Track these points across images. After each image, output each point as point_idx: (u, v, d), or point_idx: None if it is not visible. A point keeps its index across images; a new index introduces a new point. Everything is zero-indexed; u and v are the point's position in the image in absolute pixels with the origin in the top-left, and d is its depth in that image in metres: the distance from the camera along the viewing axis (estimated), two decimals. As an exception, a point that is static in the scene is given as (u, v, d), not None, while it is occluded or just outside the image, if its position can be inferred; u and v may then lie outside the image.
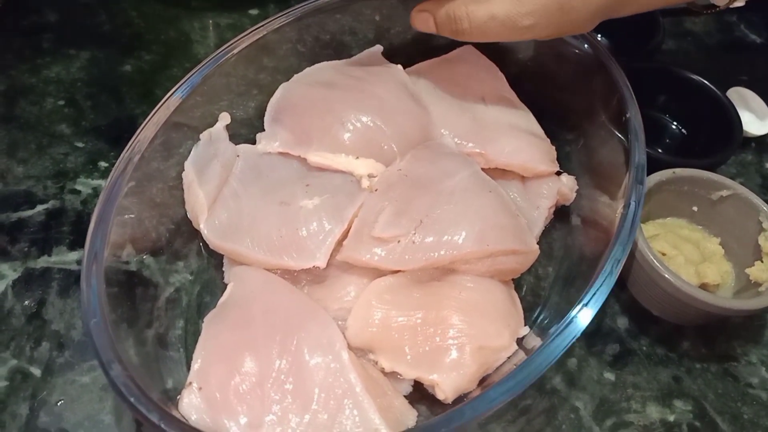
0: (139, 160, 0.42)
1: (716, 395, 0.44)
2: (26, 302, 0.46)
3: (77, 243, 0.49)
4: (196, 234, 0.45)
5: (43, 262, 0.48)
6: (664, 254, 0.46)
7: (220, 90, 0.49)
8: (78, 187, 0.53)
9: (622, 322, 0.47)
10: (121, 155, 0.42)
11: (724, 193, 0.48)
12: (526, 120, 0.52)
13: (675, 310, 0.45)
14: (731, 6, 0.53)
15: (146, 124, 0.44)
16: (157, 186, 0.45)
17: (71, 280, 0.47)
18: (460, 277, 0.42)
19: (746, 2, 0.70)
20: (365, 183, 0.45)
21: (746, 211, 0.47)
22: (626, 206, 0.39)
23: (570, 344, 0.34)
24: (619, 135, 0.44)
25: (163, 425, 0.31)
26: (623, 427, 0.42)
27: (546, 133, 0.52)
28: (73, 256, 0.48)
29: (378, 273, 0.42)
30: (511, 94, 0.54)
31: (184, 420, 0.35)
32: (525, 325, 0.42)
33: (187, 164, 0.47)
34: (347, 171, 0.46)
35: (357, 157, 0.47)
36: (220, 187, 0.46)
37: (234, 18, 0.68)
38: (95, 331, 0.34)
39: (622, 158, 0.43)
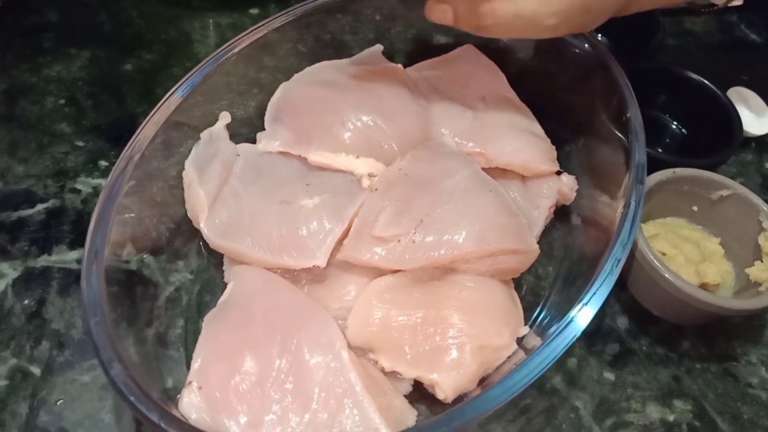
0: (139, 159, 0.42)
1: (716, 395, 0.44)
2: (26, 301, 0.46)
3: (77, 242, 0.49)
4: (196, 233, 0.45)
5: (43, 261, 0.48)
6: (664, 254, 0.46)
7: (221, 89, 0.50)
8: (78, 186, 0.53)
9: (622, 322, 0.47)
10: (122, 154, 0.42)
11: (724, 192, 0.48)
12: (527, 119, 0.52)
13: (675, 310, 0.45)
14: (729, 5, 0.53)
15: (147, 123, 0.44)
16: (157, 185, 0.45)
17: (71, 279, 0.47)
18: (461, 277, 0.42)
19: (745, 1, 0.71)
20: (365, 182, 0.45)
21: (746, 211, 0.47)
22: (626, 206, 0.39)
23: (570, 344, 0.34)
24: (620, 135, 0.44)
25: (163, 424, 0.31)
26: (623, 427, 0.42)
27: (546, 132, 0.52)
28: (73, 255, 0.48)
29: (378, 272, 0.42)
30: (512, 94, 0.54)
31: (183, 419, 0.35)
32: (525, 325, 0.42)
33: (188, 163, 0.47)
34: (347, 170, 0.46)
35: (357, 157, 0.47)
36: (220, 186, 0.46)
37: (234, 17, 0.68)
38: (95, 330, 0.34)
39: (622, 158, 0.43)
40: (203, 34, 0.66)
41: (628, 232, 0.38)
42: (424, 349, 0.39)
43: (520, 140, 0.49)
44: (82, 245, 0.48)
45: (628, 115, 0.44)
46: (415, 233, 0.41)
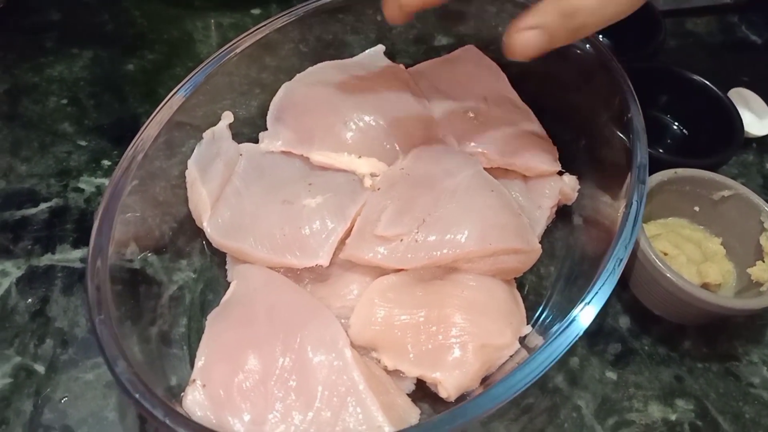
0: (142, 159, 0.42)
1: (718, 395, 0.44)
2: (30, 300, 0.46)
3: (81, 241, 0.49)
4: (199, 232, 0.46)
5: (46, 259, 0.48)
6: (665, 254, 0.47)
7: (223, 89, 0.50)
8: (81, 186, 0.53)
9: (623, 322, 0.47)
10: (125, 154, 0.42)
11: (726, 193, 0.48)
12: (528, 120, 0.52)
13: (677, 310, 0.45)
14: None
15: (149, 122, 0.44)
16: (160, 184, 0.45)
17: (75, 277, 0.47)
18: (463, 276, 0.42)
19: (746, 2, 0.71)
20: (368, 182, 0.46)
21: (748, 211, 0.47)
22: (628, 205, 0.39)
23: (572, 343, 0.34)
24: (621, 135, 0.44)
25: (168, 421, 0.31)
26: (625, 426, 0.42)
27: (548, 132, 0.52)
28: (77, 254, 0.49)
29: (381, 271, 0.42)
30: (513, 94, 0.54)
31: (188, 416, 0.35)
32: (527, 324, 0.42)
33: (191, 163, 0.47)
34: (350, 170, 0.47)
35: (359, 156, 0.47)
36: (223, 185, 0.46)
37: (236, 18, 0.68)
38: (100, 328, 0.34)
39: (623, 158, 0.43)
40: (205, 34, 0.66)
41: (630, 232, 0.38)
42: (426, 347, 0.40)
43: (521, 140, 0.50)
44: (86, 244, 0.48)
45: (629, 116, 0.44)
46: (417, 232, 0.41)
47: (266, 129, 0.50)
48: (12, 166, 0.54)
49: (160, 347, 0.40)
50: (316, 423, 0.36)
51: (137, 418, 0.41)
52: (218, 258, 0.46)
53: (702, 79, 0.57)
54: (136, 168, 0.42)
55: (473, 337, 0.39)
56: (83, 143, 0.56)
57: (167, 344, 0.41)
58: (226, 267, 0.46)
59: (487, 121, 0.51)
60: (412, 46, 0.59)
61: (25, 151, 0.55)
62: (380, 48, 0.55)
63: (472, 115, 0.51)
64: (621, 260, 0.37)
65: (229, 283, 0.44)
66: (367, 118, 0.48)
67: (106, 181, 0.53)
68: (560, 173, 0.50)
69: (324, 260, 0.42)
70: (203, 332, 0.40)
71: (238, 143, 0.49)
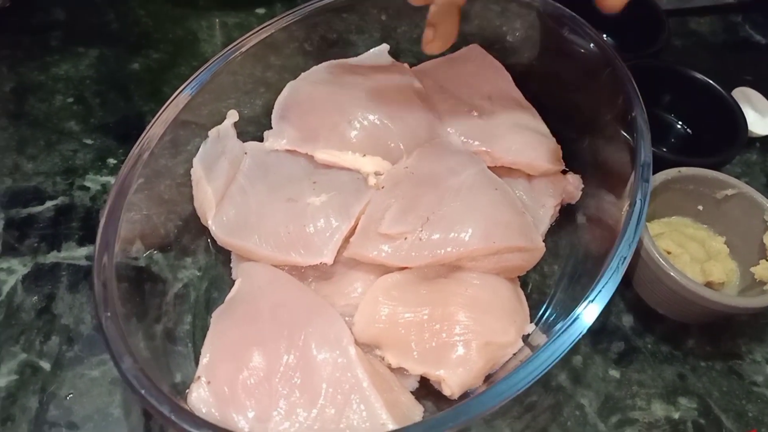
0: (148, 157, 0.43)
1: (721, 393, 0.44)
2: (36, 297, 0.46)
3: (86, 239, 0.49)
4: (204, 230, 0.46)
5: (52, 257, 0.48)
6: (669, 252, 0.47)
7: (228, 88, 0.50)
8: (87, 184, 0.53)
9: (627, 320, 0.47)
10: (131, 152, 0.42)
11: (729, 192, 0.48)
12: (532, 118, 0.52)
13: (680, 308, 0.45)
14: None
15: (155, 121, 0.44)
16: (165, 183, 0.46)
17: (80, 275, 0.48)
18: (467, 274, 0.42)
19: (751, 1, 0.71)
20: (372, 180, 0.46)
21: (751, 210, 0.47)
22: (632, 204, 0.39)
23: (576, 341, 0.35)
24: (625, 134, 0.45)
25: (173, 417, 0.31)
26: (628, 424, 0.42)
27: (552, 131, 0.52)
28: (83, 251, 0.49)
29: (385, 269, 0.42)
30: (517, 93, 0.54)
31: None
32: (531, 323, 0.42)
33: (196, 161, 0.47)
34: (354, 168, 0.47)
35: (364, 155, 0.47)
36: (228, 183, 0.46)
37: (241, 17, 0.68)
38: (106, 325, 0.34)
39: (627, 157, 0.43)
40: (210, 34, 0.67)
41: (633, 230, 0.38)
42: (430, 345, 0.40)
43: (525, 139, 0.50)
44: (91, 242, 0.48)
45: (633, 114, 0.44)
46: (421, 231, 0.42)
47: (271, 128, 0.50)
48: (18, 164, 0.54)
49: (165, 344, 0.40)
50: (320, 420, 0.36)
51: (142, 415, 0.41)
52: (223, 256, 0.47)
53: (706, 78, 0.57)
54: (142, 166, 0.42)
55: (477, 335, 0.39)
56: (89, 141, 0.56)
57: (172, 341, 0.41)
58: (231, 265, 0.46)
59: (491, 120, 0.51)
60: (416, 46, 0.58)
61: (31, 149, 0.55)
62: (384, 47, 0.55)
63: (476, 113, 0.51)
64: (625, 258, 0.37)
65: (233, 281, 0.44)
66: (371, 117, 0.48)
67: (111, 180, 0.53)
68: (564, 172, 0.50)
69: (328, 258, 0.42)
70: (208, 330, 0.40)
71: (243, 142, 0.49)
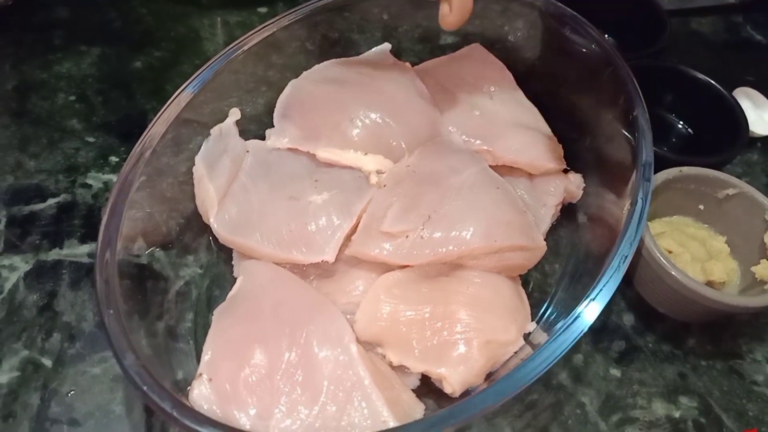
0: (150, 155, 0.43)
1: (721, 392, 0.44)
2: (38, 294, 0.46)
3: (88, 236, 0.50)
4: (205, 228, 0.46)
5: (54, 254, 0.48)
6: (670, 252, 0.47)
7: (230, 86, 0.50)
8: (89, 182, 0.53)
9: (628, 319, 0.48)
10: (133, 150, 0.42)
11: (731, 191, 0.48)
12: (534, 118, 0.52)
13: (681, 307, 0.45)
14: None
15: (157, 119, 0.44)
16: (167, 181, 0.46)
17: (82, 272, 0.48)
18: (468, 273, 0.42)
19: (752, 2, 0.71)
20: (374, 179, 0.46)
21: (752, 210, 0.47)
22: (633, 203, 0.39)
23: (577, 339, 0.35)
24: (626, 133, 0.45)
25: (175, 413, 0.31)
26: (629, 423, 0.42)
27: (553, 131, 0.52)
28: (84, 249, 0.49)
29: (386, 268, 0.42)
30: (519, 92, 0.54)
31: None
32: (532, 321, 0.42)
33: (198, 159, 0.47)
34: (356, 167, 0.47)
35: (365, 153, 0.47)
36: (230, 181, 0.46)
37: (243, 15, 0.68)
38: (109, 321, 0.34)
39: (629, 156, 0.43)
40: (212, 32, 0.67)
41: (635, 229, 0.38)
42: (431, 343, 0.40)
43: (527, 138, 0.50)
44: (93, 239, 0.49)
45: (634, 114, 0.44)
46: (423, 229, 0.42)
47: (273, 126, 0.50)
48: (20, 162, 0.54)
49: (166, 342, 0.40)
50: (322, 417, 0.36)
51: (144, 412, 0.41)
52: (225, 254, 0.47)
53: (707, 78, 0.57)
54: (144, 164, 0.42)
55: (478, 334, 0.40)
56: (91, 139, 0.56)
57: (174, 339, 0.41)
58: (233, 263, 0.46)
59: (493, 119, 0.51)
60: (418, 45, 0.59)
61: (34, 147, 0.55)
62: (386, 46, 0.55)
63: (477, 112, 0.51)
64: (626, 257, 0.37)
65: (235, 279, 0.44)
66: (373, 116, 0.48)
67: (113, 177, 0.53)
68: (565, 171, 0.50)
69: (330, 256, 0.42)
70: (209, 327, 0.41)
71: (245, 140, 0.49)
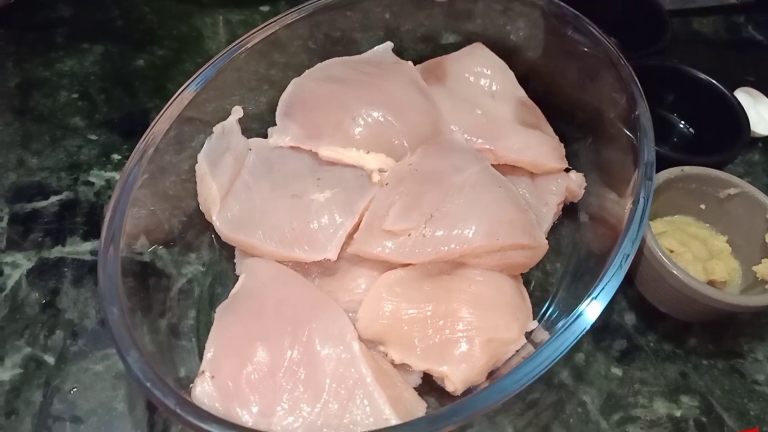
0: (153, 153, 0.43)
1: (723, 391, 0.44)
2: (40, 291, 0.46)
3: (91, 234, 0.50)
4: (208, 226, 0.46)
5: (56, 252, 0.49)
6: (671, 251, 0.47)
7: (232, 85, 0.50)
8: (91, 179, 0.53)
9: (629, 319, 0.48)
10: (136, 147, 0.43)
11: (732, 191, 0.48)
12: (536, 117, 0.53)
13: (682, 307, 0.46)
14: None
15: (160, 117, 0.44)
16: (170, 178, 0.46)
17: (85, 270, 0.48)
18: (470, 271, 0.42)
19: (755, 2, 0.71)
20: (376, 177, 0.46)
21: (753, 210, 0.47)
22: (635, 202, 0.39)
23: (579, 338, 0.35)
24: (628, 132, 0.45)
25: (179, 410, 0.31)
26: (630, 422, 0.42)
27: (555, 130, 0.52)
28: (87, 246, 0.49)
29: (388, 266, 0.43)
30: (521, 92, 0.54)
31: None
32: (533, 320, 0.42)
33: (200, 157, 0.47)
34: (358, 165, 0.47)
35: (368, 152, 0.47)
36: (232, 179, 0.46)
37: (245, 14, 0.69)
38: (112, 318, 0.34)
39: (630, 156, 0.43)
40: (214, 31, 0.67)
41: (637, 228, 0.38)
42: (433, 341, 0.40)
43: (528, 137, 0.50)
44: (96, 237, 0.49)
45: (636, 113, 0.44)
46: (425, 227, 0.42)
47: (275, 125, 0.50)
48: (23, 160, 0.54)
49: (169, 339, 0.40)
50: (324, 415, 0.36)
51: (146, 409, 0.41)
52: (227, 252, 0.47)
53: (709, 78, 0.57)
54: (147, 162, 0.42)
55: (480, 332, 0.40)
56: (93, 137, 0.56)
57: (176, 336, 0.41)
58: (235, 261, 0.46)
59: (495, 118, 0.51)
60: (420, 44, 0.59)
61: (36, 145, 0.55)
62: (389, 45, 0.56)
63: (479, 112, 0.51)
64: (628, 256, 0.37)
65: (237, 277, 0.44)
66: (375, 114, 0.48)
67: (116, 175, 0.53)
68: (567, 170, 0.50)
69: (332, 254, 0.42)
70: (212, 325, 0.41)
71: (247, 139, 0.49)
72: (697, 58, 0.69)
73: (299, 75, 0.52)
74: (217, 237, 0.45)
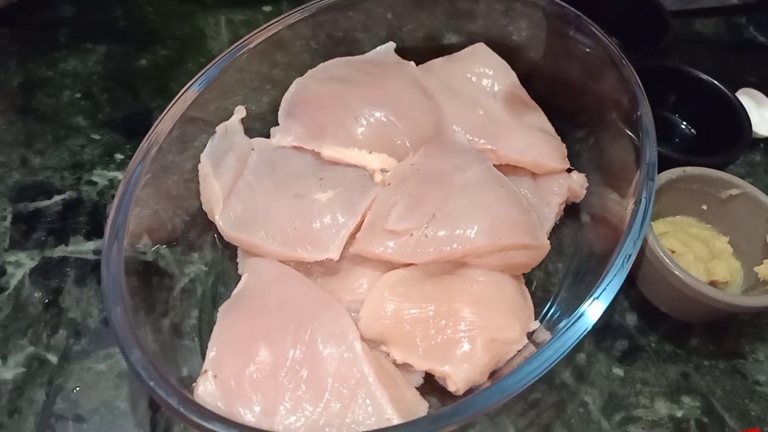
0: (156, 153, 0.43)
1: (724, 392, 0.44)
2: (43, 291, 0.47)
3: (93, 233, 0.50)
4: (210, 226, 0.46)
5: (60, 251, 0.49)
6: (673, 251, 0.47)
7: (235, 85, 0.50)
8: (94, 179, 0.53)
9: (631, 319, 0.48)
10: (139, 147, 0.43)
11: (734, 191, 0.48)
12: (537, 117, 0.53)
13: (684, 307, 0.46)
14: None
15: (163, 117, 0.44)
16: (173, 178, 0.46)
17: (88, 269, 0.48)
18: (472, 271, 0.42)
19: (757, 3, 0.71)
20: (378, 177, 0.46)
21: (755, 210, 0.47)
22: (637, 202, 0.39)
23: (580, 338, 0.35)
24: (630, 133, 0.45)
25: (182, 409, 0.31)
26: (632, 422, 0.43)
27: (557, 130, 0.52)
28: (90, 245, 0.49)
29: (390, 266, 0.43)
30: (523, 92, 0.54)
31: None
32: (535, 320, 0.43)
33: (203, 156, 0.47)
34: (360, 165, 0.47)
35: (370, 152, 0.47)
36: (235, 179, 0.47)
37: (248, 14, 0.69)
38: (116, 317, 0.34)
39: (632, 156, 0.44)
40: (216, 31, 0.67)
41: (639, 228, 0.38)
42: (435, 341, 0.40)
43: (530, 138, 0.50)
44: (99, 236, 0.49)
45: (638, 114, 0.44)
46: (427, 227, 0.42)
47: (278, 124, 0.50)
48: (26, 159, 0.54)
49: (172, 338, 0.40)
50: (326, 414, 0.36)
51: (148, 408, 0.41)
52: (229, 251, 0.47)
53: (710, 78, 0.57)
54: (150, 162, 0.42)
55: (482, 332, 0.40)
56: (96, 137, 0.56)
57: (179, 336, 0.41)
58: (237, 260, 0.46)
59: (497, 119, 0.51)
60: (422, 44, 0.59)
61: (39, 144, 0.55)
62: (391, 45, 0.56)
63: (481, 112, 0.51)
64: (630, 256, 0.37)
65: (240, 276, 0.44)
66: (377, 114, 0.48)
67: (118, 175, 0.54)
68: (569, 171, 0.50)
69: (334, 254, 0.42)
70: (214, 324, 0.41)
71: (250, 138, 0.49)
72: (699, 58, 0.69)
73: (302, 75, 0.52)
74: (220, 236, 0.46)
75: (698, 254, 0.47)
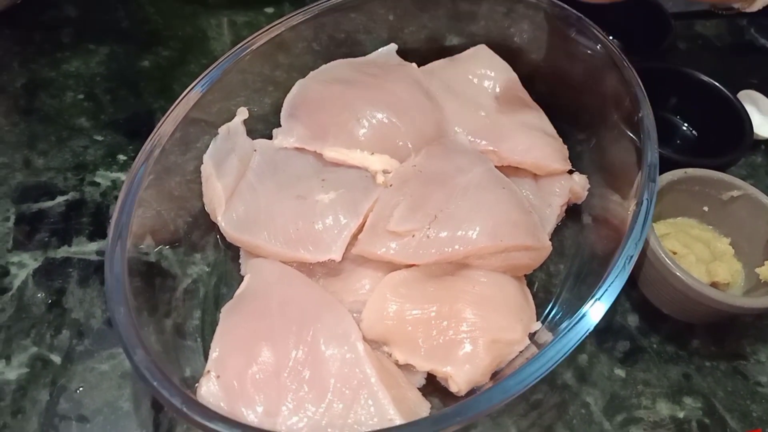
0: (159, 154, 0.43)
1: (725, 393, 0.44)
2: (46, 291, 0.47)
3: (97, 234, 0.50)
4: (213, 226, 0.46)
5: (63, 252, 0.49)
6: (675, 253, 0.47)
7: (237, 86, 0.50)
8: (97, 180, 0.54)
9: (632, 320, 0.48)
10: (142, 148, 0.43)
11: (735, 193, 0.48)
12: (539, 119, 0.53)
13: (685, 308, 0.46)
14: (748, 10, 0.53)
15: (166, 118, 0.45)
16: (175, 179, 0.46)
17: (91, 270, 0.48)
18: (474, 272, 0.42)
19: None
20: (380, 178, 0.46)
21: (756, 212, 0.47)
22: (639, 203, 0.40)
23: (582, 339, 0.35)
24: (631, 134, 0.45)
25: (185, 409, 0.31)
26: (633, 423, 0.43)
27: (558, 132, 0.52)
28: (93, 246, 0.49)
29: (392, 267, 0.43)
30: (524, 93, 0.54)
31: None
32: (537, 321, 0.43)
33: (206, 157, 0.47)
34: (362, 166, 0.47)
35: (372, 153, 0.48)
36: (237, 180, 0.47)
37: (250, 16, 0.69)
38: (119, 317, 0.34)
39: (634, 157, 0.44)
40: (219, 32, 0.67)
41: (640, 229, 0.38)
42: (437, 342, 0.40)
43: (532, 139, 0.50)
44: (102, 237, 0.49)
45: (640, 115, 0.44)
46: (429, 228, 0.42)
47: (280, 126, 0.50)
48: (29, 160, 0.54)
49: (174, 339, 0.41)
50: (329, 415, 0.36)
51: (151, 409, 0.41)
52: (232, 252, 0.47)
53: (712, 80, 0.57)
54: (153, 163, 0.43)
55: (484, 333, 0.40)
56: (99, 138, 0.57)
57: (182, 336, 0.41)
58: (240, 261, 0.46)
59: (498, 120, 0.51)
60: (424, 46, 0.59)
61: (42, 145, 0.55)
62: (393, 47, 0.56)
63: (483, 113, 0.52)
64: (631, 257, 0.37)
65: (242, 277, 0.44)
66: (379, 116, 0.48)
67: (121, 176, 0.54)
68: (570, 172, 0.50)
69: (336, 255, 0.42)
70: (217, 325, 0.41)
71: (252, 140, 0.49)
72: (700, 60, 0.69)
73: (304, 76, 0.53)
74: (222, 237, 0.46)
75: (700, 256, 0.47)
